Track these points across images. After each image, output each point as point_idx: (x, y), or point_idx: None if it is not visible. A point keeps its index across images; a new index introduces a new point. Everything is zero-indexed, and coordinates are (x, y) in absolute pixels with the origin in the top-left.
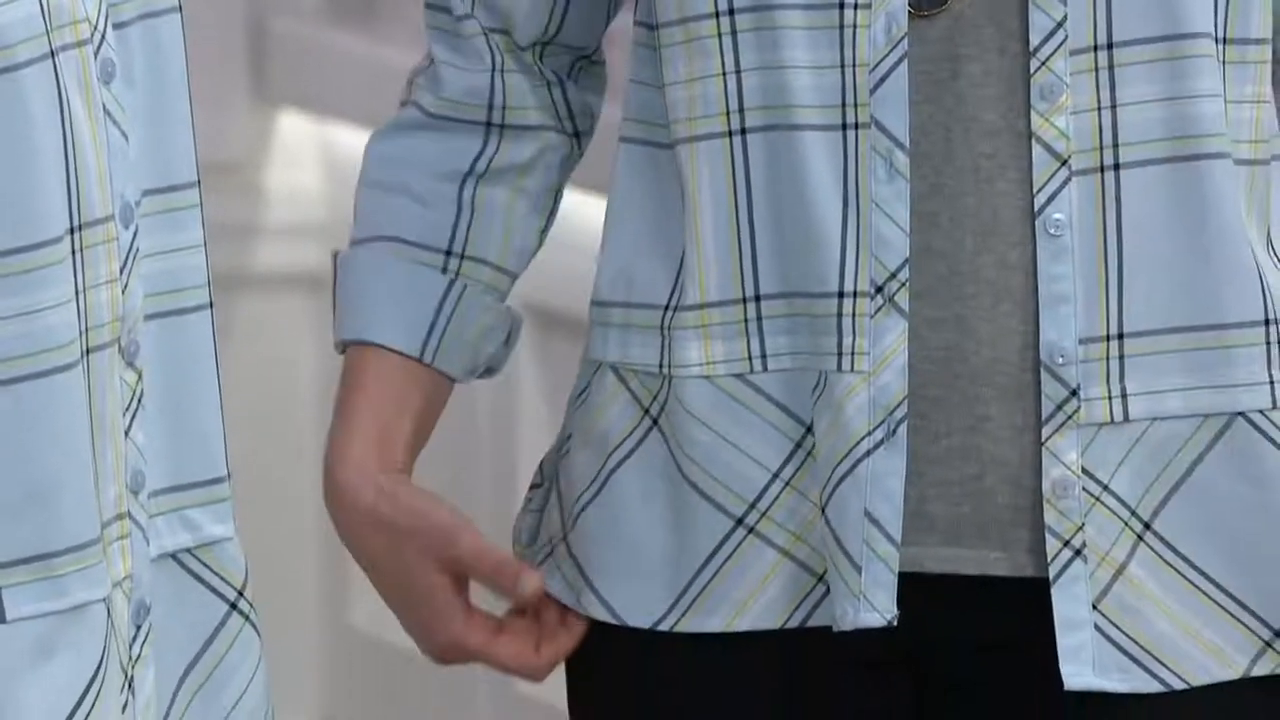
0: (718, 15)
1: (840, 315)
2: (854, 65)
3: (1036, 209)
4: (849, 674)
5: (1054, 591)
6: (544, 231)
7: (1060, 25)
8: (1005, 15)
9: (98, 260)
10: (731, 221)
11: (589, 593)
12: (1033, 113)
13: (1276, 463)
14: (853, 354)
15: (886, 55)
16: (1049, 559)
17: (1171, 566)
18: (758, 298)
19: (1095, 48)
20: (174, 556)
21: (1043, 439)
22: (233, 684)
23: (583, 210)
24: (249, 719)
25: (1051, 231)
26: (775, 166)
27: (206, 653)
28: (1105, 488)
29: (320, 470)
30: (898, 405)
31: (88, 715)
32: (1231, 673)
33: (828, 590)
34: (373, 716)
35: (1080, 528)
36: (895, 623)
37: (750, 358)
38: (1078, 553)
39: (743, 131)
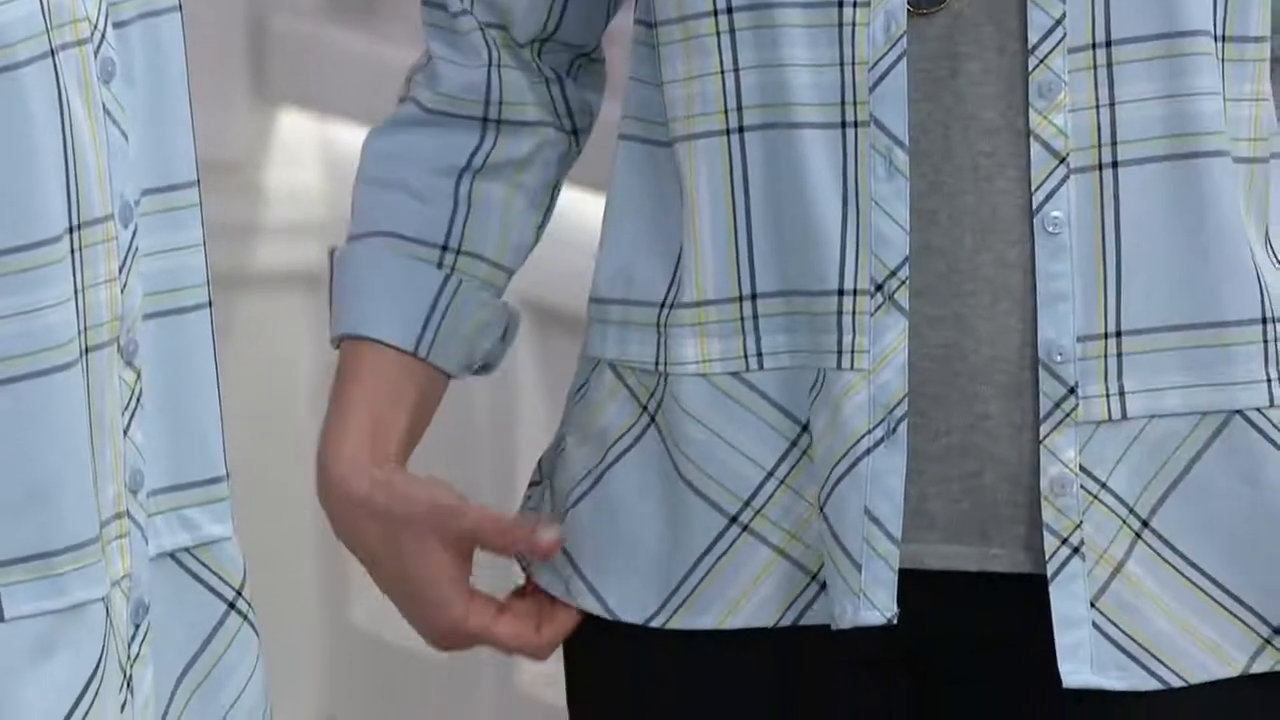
0: (716, 14)
1: (840, 313)
2: (853, 63)
3: (1035, 207)
4: (847, 672)
5: (1052, 589)
6: (541, 228)
7: (1059, 23)
8: (1004, 13)
9: (97, 259)
10: (729, 220)
11: (579, 583)
12: (1031, 111)
13: (1274, 460)
14: (852, 352)
15: (886, 53)
16: (1047, 557)
17: (1169, 564)
18: (754, 296)
19: (1094, 45)
20: (172, 556)
21: (1041, 437)
22: (231, 683)
23: (581, 208)
24: (247, 718)
25: (1050, 229)
26: (774, 165)
27: (205, 652)
28: (1103, 485)
29: None
30: (898, 403)
31: (86, 714)
32: (1230, 670)
33: (822, 589)
34: (373, 715)
35: (1078, 525)
36: (895, 621)
37: (746, 356)
38: (1076, 550)
39: (740, 130)
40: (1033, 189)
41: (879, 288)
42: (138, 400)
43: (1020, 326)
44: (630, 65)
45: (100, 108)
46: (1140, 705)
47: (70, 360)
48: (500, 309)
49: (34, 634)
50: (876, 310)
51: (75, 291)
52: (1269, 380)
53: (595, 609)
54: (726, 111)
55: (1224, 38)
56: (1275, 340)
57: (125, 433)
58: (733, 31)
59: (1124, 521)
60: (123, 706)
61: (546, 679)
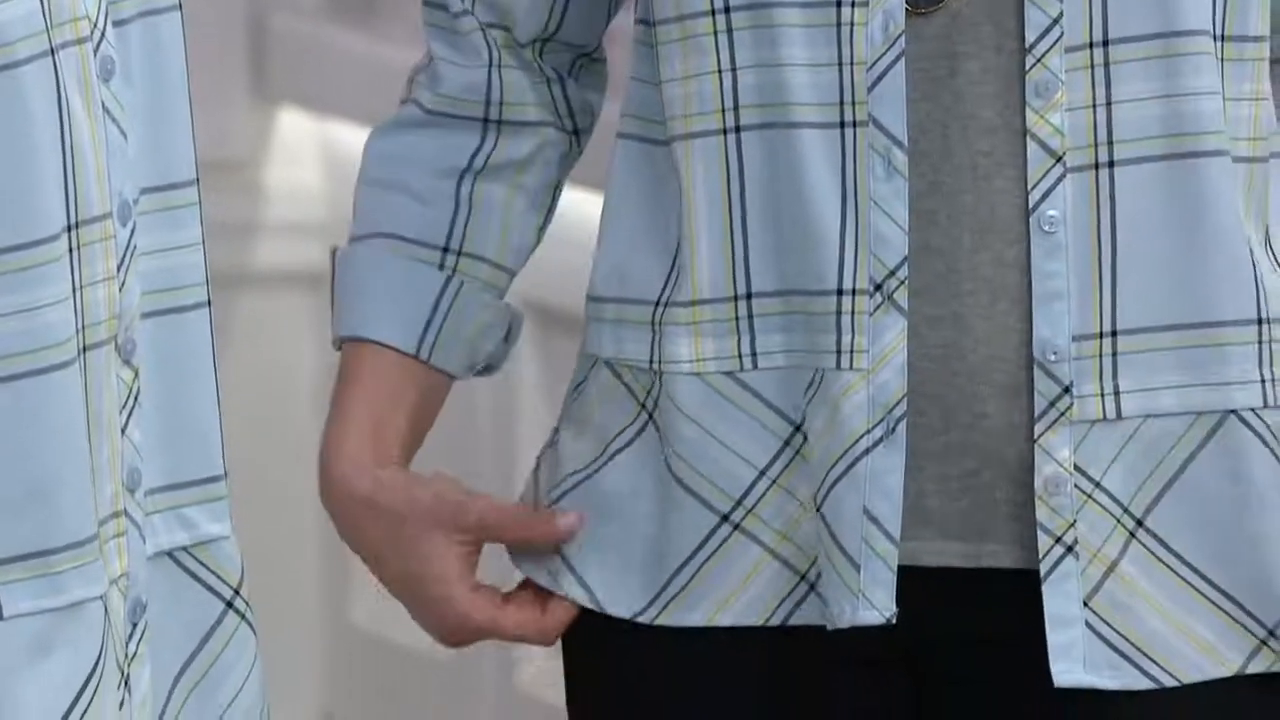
0: (713, 13)
1: (839, 313)
2: (851, 63)
3: (1031, 206)
4: (845, 672)
5: (1045, 588)
6: (542, 229)
7: (1056, 22)
8: (1002, 13)
9: (94, 258)
10: (725, 219)
11: (568, 575)
12: (1028, 110)
13: (1267, 461)
14: (851, 352)
15: (884, 53)
16: (1040, 555)
17: (1164, 564)
18: (749, 295)
19: (1091, 45)
20: (170, 554)
21: (1035, 436)
22: (228, 682)
23: (583, 208)
24: (244, 717)
25: (1046, 228)
26: (772, 164)
27: (202, 651)
28: (1098, 485)
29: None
30: (896, 403)
31: (85, 712)
32: (1225, 670)
33: (811, 589)
34: (373, 714)
35: (1072, 524)
36: (894, 620)
37: (740, 355)
38: (1069, 549)
39: (738, 129)
40: (1029, 188)
41: (878, 288)
42: (135, 399)
43: (1018, 326)
44: (630, 64)
45: (99, 106)
46: (1136, 705)
47: (69, 359)
48: (502, 310)
49: (33, 632)
50: (875, 310)
51: (73, 290)
52: (1264, 381)
53: (583, 599)
54: (724, 111)
55: (1223, 37)
56: (1271, 341)
57: (123, 431)
58: (730, 31)
59: (1118, 521)
60: (120, 705)
61: (546, 679)
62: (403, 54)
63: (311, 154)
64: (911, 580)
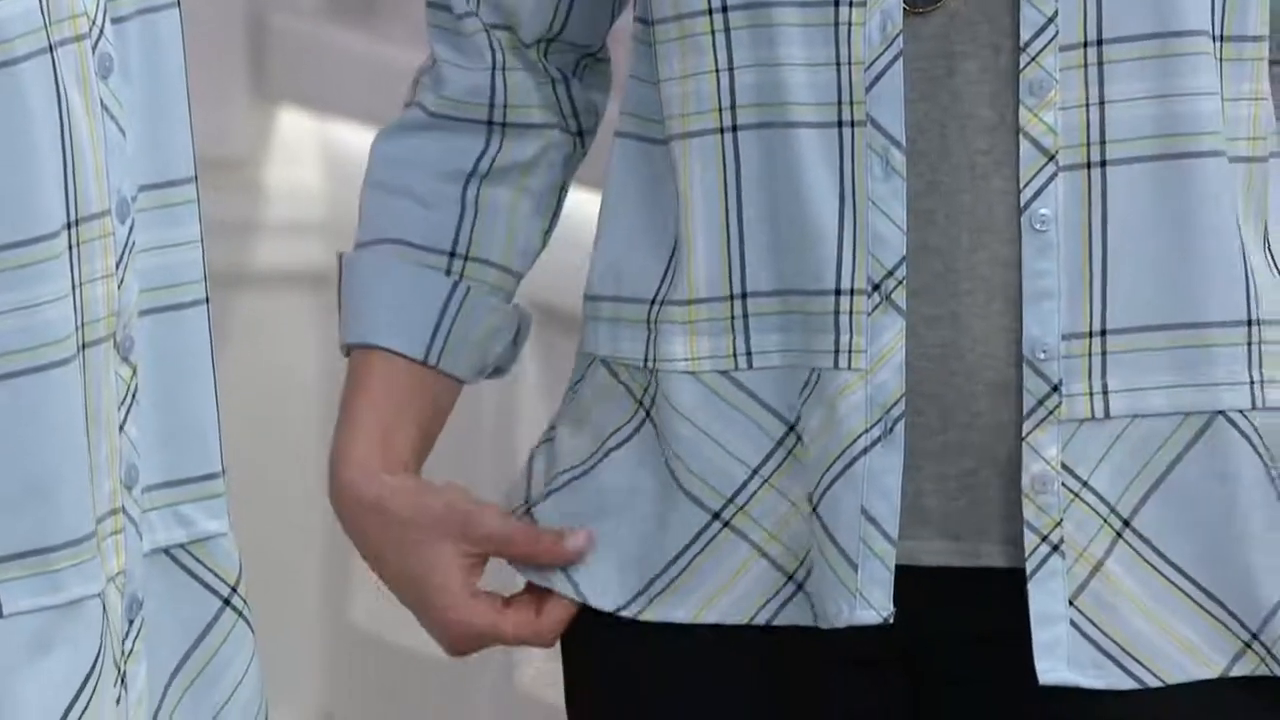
0: (711, 12)
1: (838, 313)
2: (849, 63)
3: (1023, 204)
4: (842, 672)
5: (1030, 586)
6: (548, 231)
7: (1051, 21)
8: (999, 12)
9: (93, 255)
10: (722, 218)
11: (558, 570)
12: (1021, 108)
13: (1254, 463)
14: (850, 351)
15: (882, 53)
16: (1026, 553)
17: (1150, 564)
18: (745, 295)
19: (1085, 44)
20: (167, 552)
21: (1023, 434)
22: (225, 680)
23: (586, 208)
24: (241, 715)
25: (1037, 227)
26: (770, 164)
27: (199, 648)
28: (1085, 484)
29: (321, 467)
30: (895, 403)
31: (84, 710)
32: (1208, 672)
33: (798, 589)
34: (372, 714)
35: (1058, 523)
36: (892, 620)
37: (735, 355)
38: (1055, 548)
39: (735, 129)
40: (1021, 186)
41: (876, 287)
42: (134, 396)
43: (1011, 325)
44: (629, 63)
45: (98, 103)
46: (1126, 705)
47: (68, 356)
48: (510, 313)
49: (32, 630)
50: (874, 310)
51: (72, 287)
52: (1253, 382)
53: (569, 592)
54: (721, 110)
55: (1222, 37)
56: (1261, 342)
57: (121, 428)
58: (728, 30)
59: (1105, 520)
60: (117, 702)
61: (546, 679)
62: (403, 53)
63: (311, 153)
64: (909, 579)
